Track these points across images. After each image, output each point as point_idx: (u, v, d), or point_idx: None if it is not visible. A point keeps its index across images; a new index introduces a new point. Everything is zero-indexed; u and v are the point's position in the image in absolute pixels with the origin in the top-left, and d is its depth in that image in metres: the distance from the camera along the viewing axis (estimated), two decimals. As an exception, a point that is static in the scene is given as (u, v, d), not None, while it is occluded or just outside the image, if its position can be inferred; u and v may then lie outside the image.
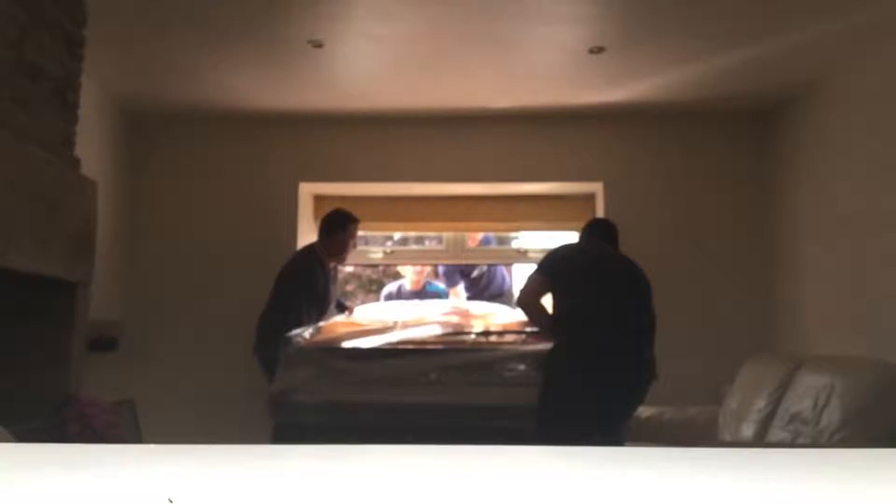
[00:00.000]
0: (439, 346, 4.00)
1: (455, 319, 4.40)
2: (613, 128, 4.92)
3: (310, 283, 4.05)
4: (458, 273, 5.65)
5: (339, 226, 4.16)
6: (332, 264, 4.25)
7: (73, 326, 3.07)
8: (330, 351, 3.89)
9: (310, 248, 4.21)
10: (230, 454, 0.83)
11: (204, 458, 0.81)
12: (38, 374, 2.96)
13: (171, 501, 0.57)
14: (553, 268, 3.48)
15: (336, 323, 4.34)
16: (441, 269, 5.72)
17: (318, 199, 5.22)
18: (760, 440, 3.54)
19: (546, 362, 3.41)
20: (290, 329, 3.73)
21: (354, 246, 4.27)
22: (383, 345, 3.96)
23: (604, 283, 3.45)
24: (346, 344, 3.95)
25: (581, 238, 3.77)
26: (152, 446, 0.85)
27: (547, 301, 3.56)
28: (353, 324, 4.32)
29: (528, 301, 3.50)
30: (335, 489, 0.67)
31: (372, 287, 7.24)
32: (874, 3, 3.34)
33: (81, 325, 3.13)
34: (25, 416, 2.68)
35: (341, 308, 4.60)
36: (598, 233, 3.70)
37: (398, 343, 3.97)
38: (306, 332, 3.98)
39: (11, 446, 1.14)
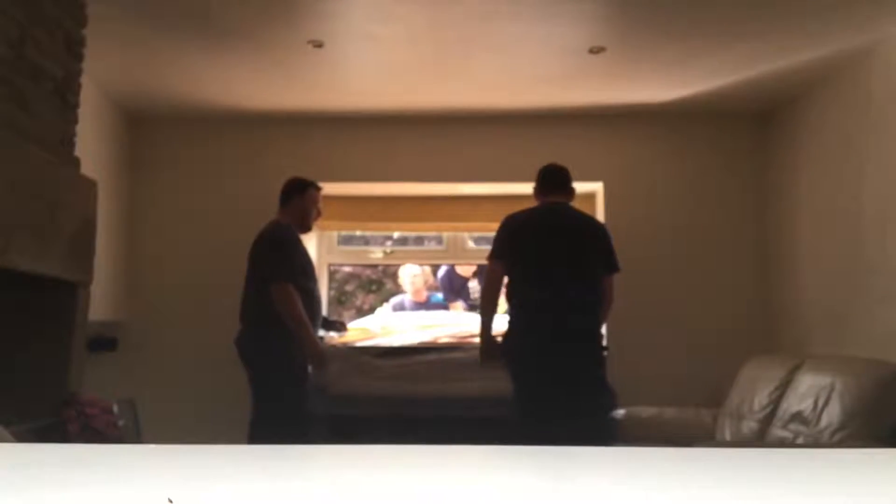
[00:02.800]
0: (456, 345, 4.66)
1: (466, 328, 4.84)
2: (613, 128, 4.91)
3: (294, 251, 3.82)
4: (456, 291, 5.67)
5: (297, 191, 3.91)
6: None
7: (73, 326, 3.07)
8: (360, 349, 4.57)
9: (276, 221, 3.90)
10: (230, 454, 0.83)
11: (204, 458, 0.81)
12: (38, 374, 2.95)
13: (170, 501, 0.57)
14: (501, 247, 3.50)
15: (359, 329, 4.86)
16: (441, 282, 5.72)
17: (318, 199, 5.21)
18: (760, 440, 3.54)
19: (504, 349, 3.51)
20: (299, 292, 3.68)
21: (318, 214, 4.01)
22: (406, 344, 4.60)
23: (550, 253, 3.45)
24: (373, 342, 4.63)
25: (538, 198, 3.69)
26: (152, 446, 0.85)
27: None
28: (367, 330, 4.84)
29: (484, 306, 3.59)
30: (335, 489, 0.67)
31: (371, 287, 7.24)
32: (874, 3, 3.34)
33: (81, 325, 3.13)
34: (25, 416, 2.68)
35: (330, 326, 4.40)
36: (550, 186, 3.63)
37: (418, 343, 4.61)
38: (335, 333, 4.52)
39: (11, 446, 1.14)
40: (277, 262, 3.70)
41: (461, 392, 4.27)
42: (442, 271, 5.72)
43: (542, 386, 3.31)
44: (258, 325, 3.73)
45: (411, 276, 5.54)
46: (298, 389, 3.79)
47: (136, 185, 4.90)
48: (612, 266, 3.53)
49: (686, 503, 0.62)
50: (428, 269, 5.68)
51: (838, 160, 4.11)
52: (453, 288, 5.68)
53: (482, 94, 4.59)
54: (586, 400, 3.33)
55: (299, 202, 3.91)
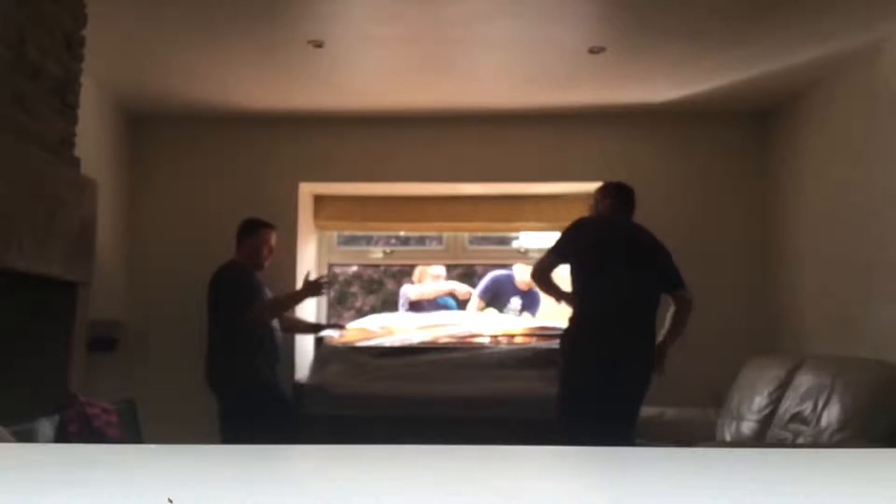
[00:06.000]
0: (456, 345, 4.61)
1: (466, 328, 4.80)
2: (613, 128, 4.91)
3: (248, 284, 4.10)
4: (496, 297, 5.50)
5: (248, 232, 4.18)
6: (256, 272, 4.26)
7: (73, 326, 3.07)
8: (358, 349, 4.58)
9: (231, 261, 4.20)
10: (230, 454, 0.83)
11: (204, 458, 0.81)
12: (38, 374, 2.95)
13: (170, 501, 0.57)
14: (565, 248, 3.58)
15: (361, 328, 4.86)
16: (486, 284, 5.59)
17: (318, 199, 5.21)
18: (760, 440, 3.54)
19: (563, 335, 3.59)
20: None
21: (270, 252, 4.24)
22: (405, 344, 4.58)
23: (620, 258, 3.54)
24: (372, 343, 4.61)
25: (601, 208, 3.76)
26: (152, 446, 0.85)
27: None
28: (367, 330, 4.82)
29: (539, 276, 3.62)
30: (336, 489, 0.67)
31: (373, 287, 7.25)
32: (874, 3, 3.34)
33: (81, 325, 3.13)
34: (25, 416, 2.68)
35: (330, 327, 4.72)
36: (618, 203, 3.72)
37: (418, 343, 4.58)
38: (335, 333, 4.62)
39: (11, 446, 1.14)
40: (240, 294, 4.05)
41: (461, 392, 4.27)
42: (492, 276, 5.55)
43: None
44: (227, 356, 4.04)
45: (433, 276, 5.48)
46: (269, 416, 4.01)
47: (136, 185, 4.90)
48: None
49: (687, 503, 0.62)
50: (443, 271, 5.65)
51: (838, 160, 4.11)
52: (495, 293, 5.53)
53: (482, 94, 4.59)
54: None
55: (250, 242, 4.19)
